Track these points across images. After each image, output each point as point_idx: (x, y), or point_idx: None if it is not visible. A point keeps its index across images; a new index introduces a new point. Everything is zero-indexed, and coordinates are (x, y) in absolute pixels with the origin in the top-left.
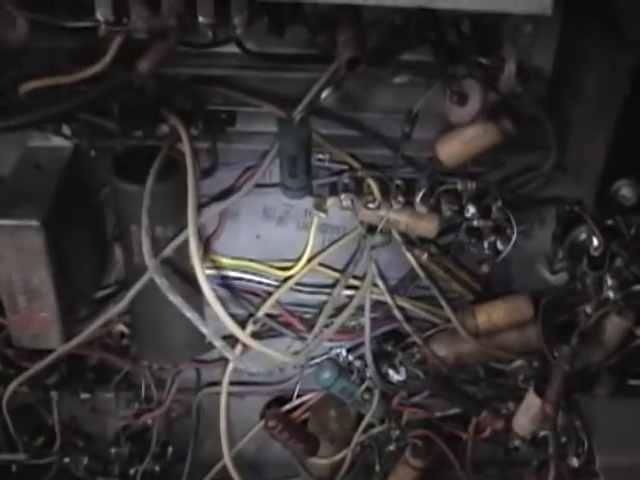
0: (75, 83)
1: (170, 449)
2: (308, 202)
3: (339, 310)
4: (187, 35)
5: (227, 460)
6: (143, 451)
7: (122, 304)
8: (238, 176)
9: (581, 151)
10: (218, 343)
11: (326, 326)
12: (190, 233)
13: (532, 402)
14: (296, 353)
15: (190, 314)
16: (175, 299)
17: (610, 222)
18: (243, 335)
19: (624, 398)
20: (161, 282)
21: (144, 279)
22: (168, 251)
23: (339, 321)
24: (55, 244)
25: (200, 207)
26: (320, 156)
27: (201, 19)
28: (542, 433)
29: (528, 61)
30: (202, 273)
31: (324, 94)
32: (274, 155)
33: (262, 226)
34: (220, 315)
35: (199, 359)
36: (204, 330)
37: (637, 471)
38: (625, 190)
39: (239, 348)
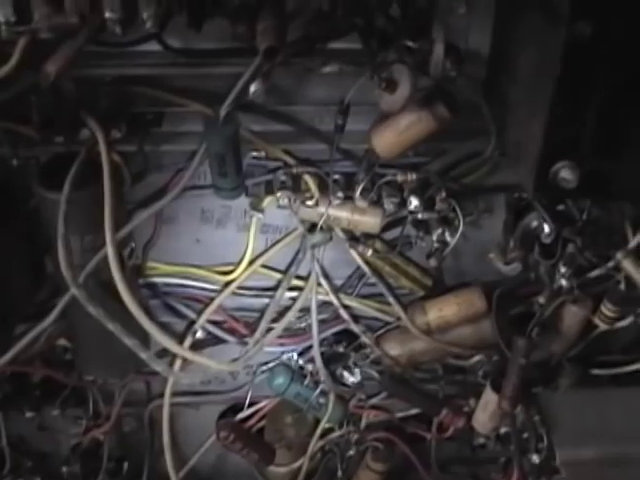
0: None
1: (126, 465)
2: (247, 203)
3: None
4: (104, 35)
5: (173, 478)
6: (97, 468)
7: (49, 320)
8: (170, 179)
9: (520, 134)
10: (144, 355)
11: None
12: (107, 241)
13: (490, 398)
14: (234, 360)
15: (112, 326)
16: (95, 311)
17: (561, 207)
18: (170, 343)
19: (586, 390)
20: (80, 294)
21: (70, 292)
22: (94, 261)
23: (282, 324)
24: None
25: (130, 213)
26: (255, 154)
27: (107, 14)
28: (505, 429)
29: (465, 44)
30: (123, 283)
31: (252, 88)
32: (202, 155)
33: (201, 230)
34: (146, 326)
35: (146, 371)
36: (128, 342)
37: (598, 465)
38: (565, 172)
39: (179, 359)
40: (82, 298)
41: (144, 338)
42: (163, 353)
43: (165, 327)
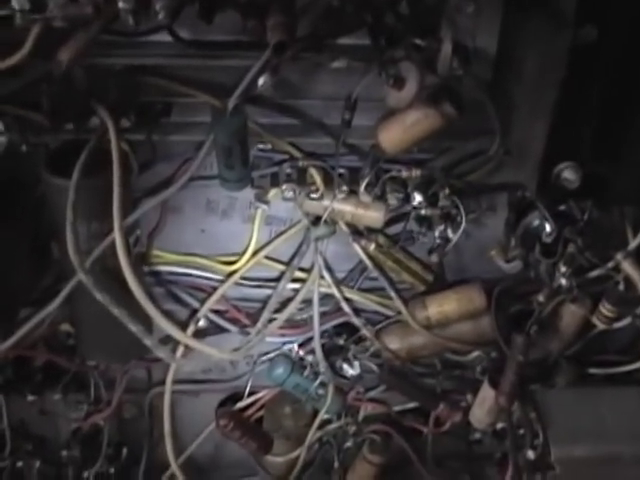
0: None
1: (125, 450)
2: (252, 194)
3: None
4: (116, 24)
5: (172, 464)
6: (97, 454)
7: (54, 305)
8: (177, 169)
9: (524, 134)
10: (148, 341)
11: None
12: (115, 228)
13: (487, 394)
14: (236, 349)
15: (117, 312)
16: (101, 297)
17: (563, 207)
18: (174, 330)
19: (582, 388)
20: (86, 279)
21: (76, 278)
22: (100, 248)
23: (283, 316)
24: None
25: (137, 202)
26: (261, 146)
27: (121, 4)
28: (501, 425)
29: (472, 43)
30: (129, 270)
31: (261, 82)
32: (209, 146)
33: (206, 220)
34: (151, 313)
35: (148, 358)
36: (133, 328)
37: (592, 462)
38: (567, 173)
39: (181, 347)
40: (89, 284)
41: (147, 325)
42: (165, 341)
43: (168, 315)
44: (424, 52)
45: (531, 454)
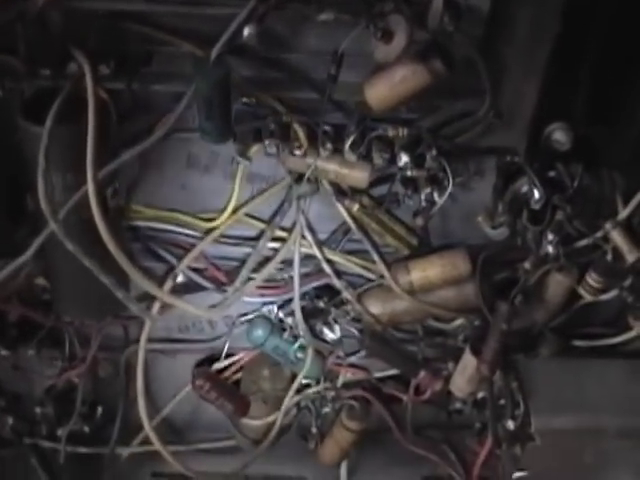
0: None
1: (100, 409)
2: (235, 149)
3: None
4: None
5: (146, 425)
6: (71, 411)
7: (26, 256)
8: (157, 120)
9: (515, 95)
10: (121, 294)
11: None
12: (88, 178)
13: (468, 362)
14: (212, 307)
15: (89, 263)
16: (73, 247)
17: (552, 174)
18: (149, 285)
19: (566, 359)
20: (58, 229)
21: (49, 228)
22: (75, 198)
23: (262, 275)
24: None
25: (114, 153)
26: (245, 100)
27: None
28: (481, 394)
29: None
30: (102, 221)
31: (246, 31)
32: (191, 97)
33: (187, 175)
34: (125, 266)
35: (124, 315)
36: (105, 280)
37: (573, 433)
38: (558, 134)
39: (157, 303)
40: (60, 234)
41: (124, 281)
42: (142, 298)
43: (146, 271)
44: (414, 6)
45: (511, 424)
